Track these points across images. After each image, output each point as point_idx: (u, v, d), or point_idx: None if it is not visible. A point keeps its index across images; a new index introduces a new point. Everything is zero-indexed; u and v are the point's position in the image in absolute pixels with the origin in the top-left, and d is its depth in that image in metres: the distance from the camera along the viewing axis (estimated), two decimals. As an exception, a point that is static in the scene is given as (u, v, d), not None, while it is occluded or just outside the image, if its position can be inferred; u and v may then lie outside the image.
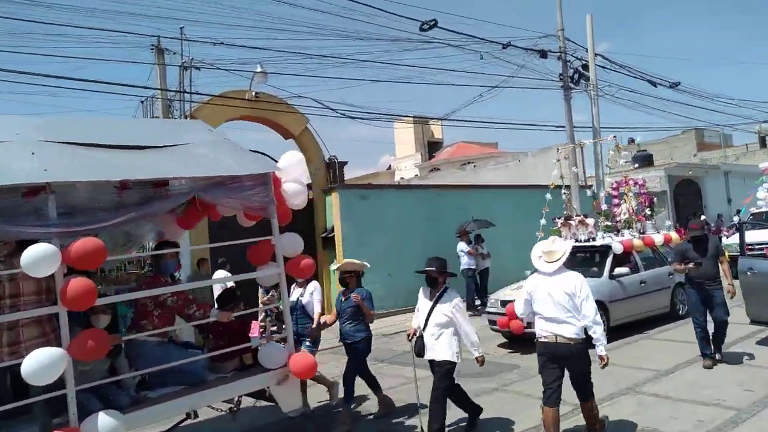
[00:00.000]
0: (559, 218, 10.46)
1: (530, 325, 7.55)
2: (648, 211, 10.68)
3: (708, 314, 7.25)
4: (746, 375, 6.61)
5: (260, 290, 9.86)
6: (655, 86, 19.66)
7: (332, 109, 14.27)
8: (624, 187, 10.71)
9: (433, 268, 5.20)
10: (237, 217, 5.35)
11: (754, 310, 7.78)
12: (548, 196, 11.04)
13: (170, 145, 4.63)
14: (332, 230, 13.42)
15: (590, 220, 10.17)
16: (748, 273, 7.80)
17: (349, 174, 16.12)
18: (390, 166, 40.46)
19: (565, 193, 11.42)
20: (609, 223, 10.29)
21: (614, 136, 12.05)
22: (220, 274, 10.43)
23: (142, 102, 14.28)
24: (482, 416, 5.84)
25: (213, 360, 5.03)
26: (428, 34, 14.72)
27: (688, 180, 25.00)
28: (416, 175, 33.86)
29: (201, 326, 5.45)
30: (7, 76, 10.12)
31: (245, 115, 13.20)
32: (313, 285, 6.48)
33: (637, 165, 26.92)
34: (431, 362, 5.12)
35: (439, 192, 15.94)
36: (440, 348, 5.03)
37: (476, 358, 5.16)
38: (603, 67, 18.18)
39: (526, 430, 5.46)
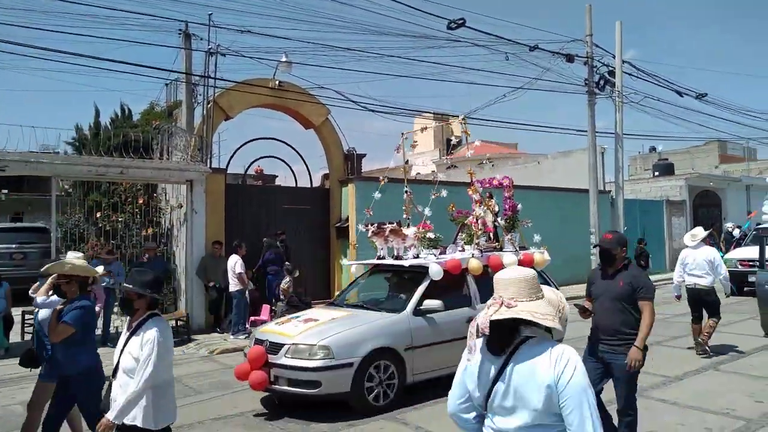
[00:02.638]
0: (372, 224, 7.80)
1: (277, 380, 6.00)
2: (501, 221, 7.96)
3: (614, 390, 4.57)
4: (758, 386, 6.55)
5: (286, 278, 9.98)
6: (682, 96, 19.43)
7: (354, 102, 14.26)
8: (470, 188, 8.02)
9: (130, 286, 3.49)
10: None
11: (769, 323, 7.74)
12: (377, 195, 8.42)
13: None
14: (346, 220, 13.47)
15: (409, 231, 7.56)
16: (766, 286, 7.74)
17: (366, 167, 16.13)
18: (407, 161, 40.43)
19: (407, 191, 8.72)
20: (432, 236, 7.71)
21: (463, 117, 8.44)
22: (233, 259, 10.54)
23: (166, 85, 14.44)
24: None
25: None
26: (455, 33, 14.67)
27: (708, 191, 24.74)
28: (433, 171, 33.73)
29: None
30: (34, 52, 10.29)
31: (267, 103, 13.27)
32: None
33: (657, 173, 26.69)
34: (119, 427, 3.42)
35: (456, 188, 15.89)
36: None
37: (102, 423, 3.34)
38: (629, 74, 18.00)
39: None
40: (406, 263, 7.21)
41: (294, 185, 14.51)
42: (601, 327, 4.50)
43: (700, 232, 8.35)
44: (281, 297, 9.69)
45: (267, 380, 6.02)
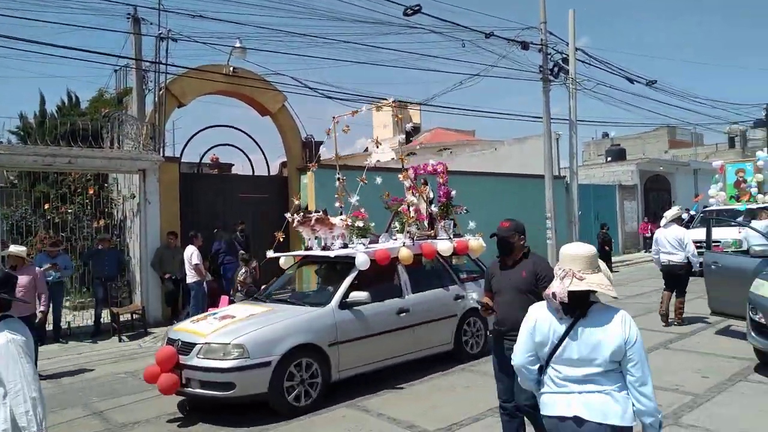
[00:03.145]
0: (298, 212, 7.27)
1: (189, 382, 5.61)
2: (435, 208, 7.82)
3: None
4: (704, 363, 6.83)
5: (242, 269, 9.82)
6: (633, 83, 19.89)
7: (310, 88, 14.09)
8: (402, 175, 7.65)
9: None
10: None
11: (715, 302, 8.02)
12: (305, 180, 7.86)
13: None
14: (306, 209, 13.35)
15: (337, 220, 7.18)
16: (713, 266, 8.03)
17: (325, 154, 16.02)
18: (366, 148, 40.36)
19: (339, 178, 8.31)
20: (360, 224, 7.26)
21: (395, 101, 7.54)
22: (189, 250, 10.34)
23: (115, 71, 13.99)
24: (448, 395, 5.94)
25: None
26: (411, 19, 14.63)
27: (658, 176, 25.54)
28: (393, 159, 33.83)
29: None
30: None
31: (221, 90, 12.99)
32: None
33: (609, 159, 27.37)
34: None
35: (394, 175, 15.98)
36: None
37: None
38: (582, 61, 18.32)
39: (491, 409, 5.55)
40: (331, 254, 6.87)
41: (251, 173, 14.29)
42: (505, 323, 4.12)
43: (670, 213, 9.13)
44: (239, 288, 9.56)
45: (178, 383, 5.61)
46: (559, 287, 2.61)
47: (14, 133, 14.81)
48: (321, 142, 14.38)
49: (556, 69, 17.57)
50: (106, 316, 10.35)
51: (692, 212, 18.35)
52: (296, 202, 7.67)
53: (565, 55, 17.81)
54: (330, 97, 14.55)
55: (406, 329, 6.77)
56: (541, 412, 2.82)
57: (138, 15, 12.04)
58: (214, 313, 6.56)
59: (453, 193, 8.01)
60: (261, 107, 13.59)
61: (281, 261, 7.77)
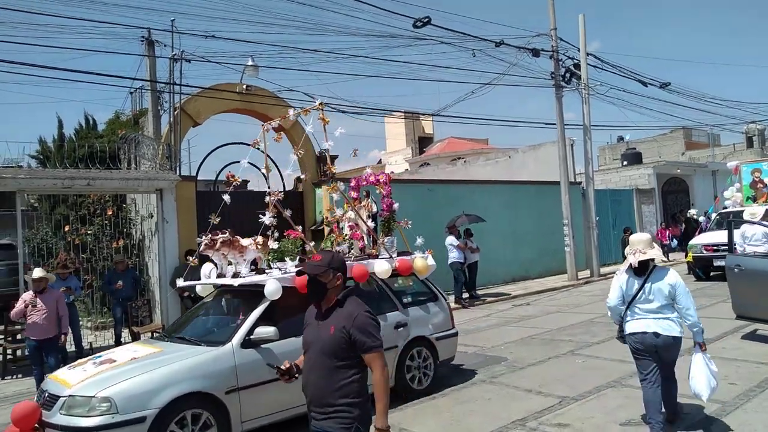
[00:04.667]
0: (208, 234, 6.22)
1: None
2: (371, 223, 6.96)
3: None
4: (731, 369, 6.69)
5: None
6: (646, 86, 19.82)
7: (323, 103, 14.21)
8: (330, 187, 6.86)
9: None
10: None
11: (739, 306, 7.87)
12: (226, 198, 6.98)
13: None
14: (321, 223, 13.40)
15: (247, 241, 6.25)
16: (735, 270, 7.88)
17: (340, 168, 16.09)
18: (380, 160, 40.47)
19: (269, 193, 7.39)
20: (275, 246, 6.54)
21: (321, 104, 6.97)
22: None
23: (131, 93, 14.22)
24: (470, 408, 5.88)
25: None
26: (421, 31, 14.73)
27: (676, 178, 25.24)
28: (406, 170, 33.94)
29: None
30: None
31: (235, 108, 13.14)
32: None
33: (626, 162, 27.14)
34: None
35: (430, 187, 16.02)
36: None
37: None
38: (594, 66, 18.28)
39: (514, 422, 5.49)
40: (236, 282, 5.86)
41: (267, 189, 14.38)
42: (308, 393, 3.06)
43: (758, 210, 10.66)
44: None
45: None
46: (633, 259, 4.61)
47: (34, 157, 15.10)
48: (335, 156, 14.48)
49: (567, 75, 17.54)
50: (127, 336, 10.43)
51: (709, 214, 18.09)
52: (214, 221, 6.58)
53: (576, 61, 17.77)
54: (343, 112, 14.68)
55: None
56: (628, 332, 4.77)
57: (152, 37, 12.25)
58: (99, 356, 5.68)
59: (396, 206, 7.18)
60: (274, 123, 13.70)
61: (198, 289, 6.87)
